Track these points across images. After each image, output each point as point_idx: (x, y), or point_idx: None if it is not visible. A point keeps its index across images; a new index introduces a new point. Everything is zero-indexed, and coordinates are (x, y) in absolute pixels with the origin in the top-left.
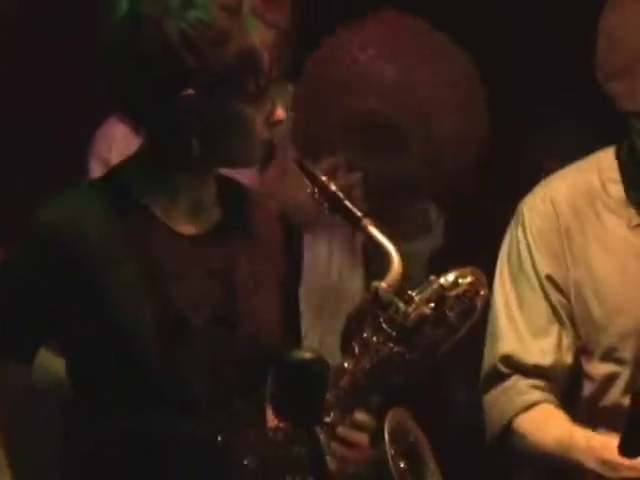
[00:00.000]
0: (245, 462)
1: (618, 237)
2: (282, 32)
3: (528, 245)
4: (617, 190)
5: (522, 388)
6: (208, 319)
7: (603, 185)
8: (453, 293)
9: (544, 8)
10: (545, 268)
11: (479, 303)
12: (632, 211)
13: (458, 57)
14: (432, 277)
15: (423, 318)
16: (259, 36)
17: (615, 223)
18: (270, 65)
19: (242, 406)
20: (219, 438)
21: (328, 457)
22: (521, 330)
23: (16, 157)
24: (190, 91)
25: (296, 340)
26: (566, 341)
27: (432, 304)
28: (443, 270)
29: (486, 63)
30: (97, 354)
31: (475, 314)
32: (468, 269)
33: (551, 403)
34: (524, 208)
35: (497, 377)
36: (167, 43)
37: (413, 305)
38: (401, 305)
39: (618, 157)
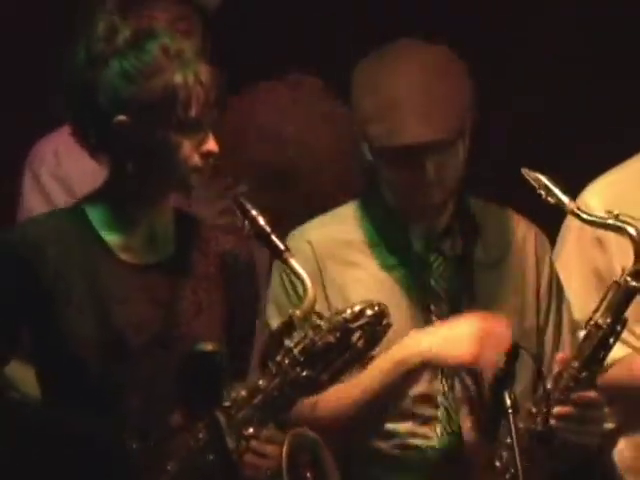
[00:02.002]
0: (168, 467)
1: (373, 277)
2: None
3: (292, 282)
4: (369, 237)
5: None
6: (147, 341)
7: (356, 233)
8: (357, 324)
9: None
10: None
11: (383, 331)
12: (383, 256)
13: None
14: (339, 308)
15: (328, 345)
16: (195, 75)
17: (370, 266)
18: (203, 100)
19: (177, 418)
20: (151, 443)
21: (227, 438)
22: None
23: None
24: (123, 117)
25: (242, 366)
26: None
27: (337, 333)
28: None
29: None
30: (47, 364)
31: (379, 342)
32: (372, 301)
33: None
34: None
35: None
36: (109, 76)
37: (320, 333)
38: (310, 333)
39: (365, 206)
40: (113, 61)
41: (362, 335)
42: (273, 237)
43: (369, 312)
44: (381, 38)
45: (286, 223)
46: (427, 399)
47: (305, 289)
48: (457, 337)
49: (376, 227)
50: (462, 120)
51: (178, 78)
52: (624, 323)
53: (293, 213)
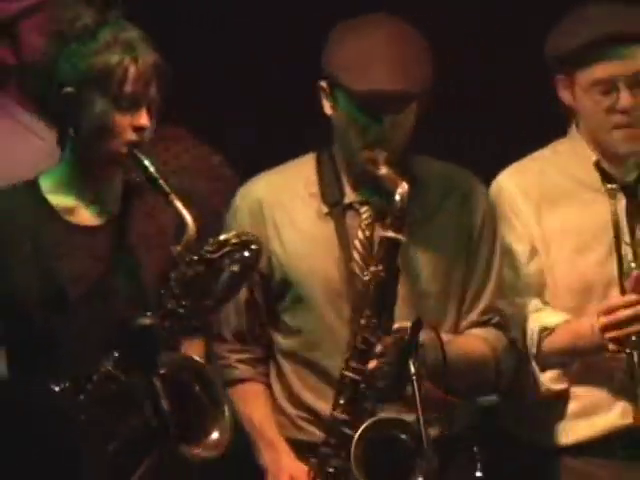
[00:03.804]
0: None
1: (307, 222)
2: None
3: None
4: (313, 188)
5: (231, 362)
6: (85, 292)
7: (301, 183)
8: (221, 252)
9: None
10: None
11: (253, 256)
12: (322, 204)
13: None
14: (215, 238)
15: (198, 275)
16: (133, 57)
17: (307, 212)
18: (138, 79)
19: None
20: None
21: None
22: None
23: None
24: (69, 89)
25: None
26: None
27: (204, 263)
28: None
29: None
30: None
31: (254, 265)
32: (242, 232)
33: (258, 382)
34: (238, 197)
35: (221, 340)
36: (66, 54)
37: (190, 265)
38: (183, 266)
39: (318, 161)
40: (72, 42)
41: (233, 261)
42: (161, 182)
43: (234, 240)
44: None
45: None
46: None
47: (187, 226)
48: None
49: (319, 179)
50: (426, 82)
51: (116, 58)
52: (396, 272)
53: None
